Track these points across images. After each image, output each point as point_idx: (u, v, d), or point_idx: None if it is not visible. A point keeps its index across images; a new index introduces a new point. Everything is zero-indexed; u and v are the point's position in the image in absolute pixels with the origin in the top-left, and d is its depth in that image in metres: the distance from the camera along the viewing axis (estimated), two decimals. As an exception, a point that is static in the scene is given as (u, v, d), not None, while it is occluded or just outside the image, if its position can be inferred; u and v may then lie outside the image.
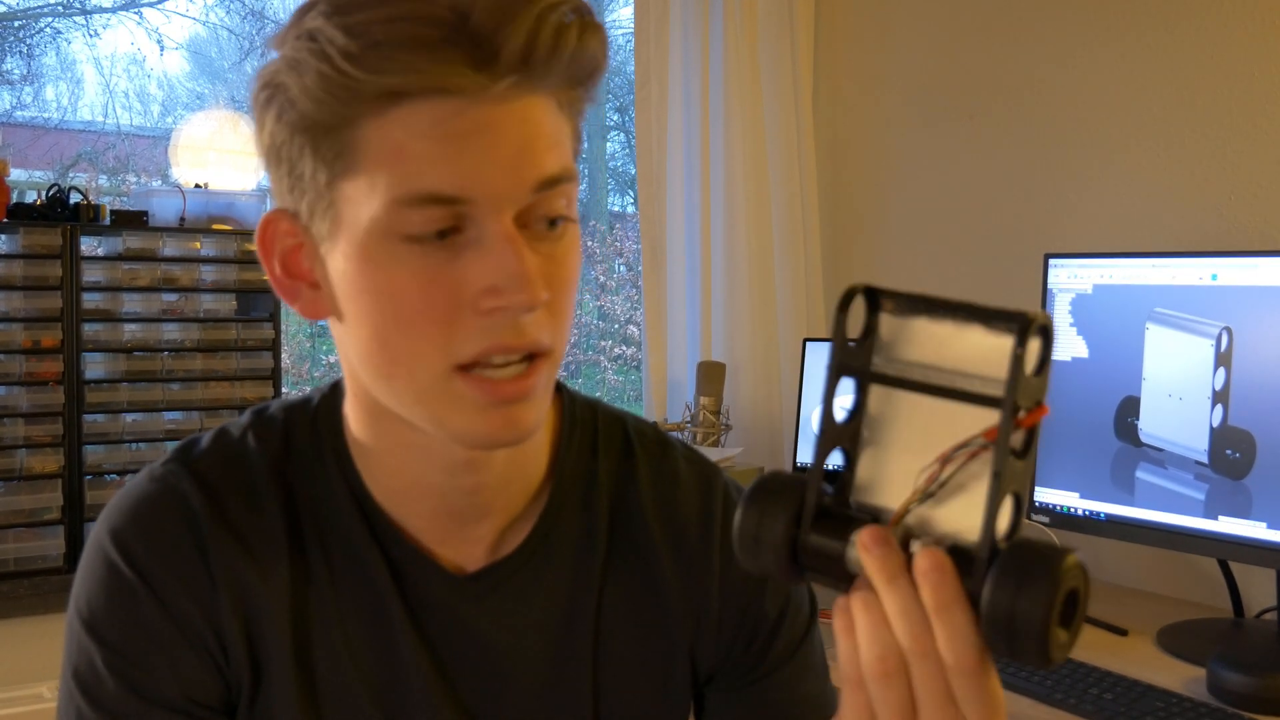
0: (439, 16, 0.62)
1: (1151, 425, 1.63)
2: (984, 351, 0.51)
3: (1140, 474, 1.65)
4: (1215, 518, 1.56)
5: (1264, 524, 1.51)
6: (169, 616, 0.75)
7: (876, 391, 0.55)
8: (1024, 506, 0.52)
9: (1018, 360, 0.49)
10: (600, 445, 0.85)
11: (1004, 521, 0.50)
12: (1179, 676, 1.45)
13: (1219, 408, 1.55)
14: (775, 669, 0.86)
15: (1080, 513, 1.72)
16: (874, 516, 0.54)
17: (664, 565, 0.83)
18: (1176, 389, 1.60)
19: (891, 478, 0.54)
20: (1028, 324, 0.49)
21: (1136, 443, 1.65)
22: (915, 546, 0.52)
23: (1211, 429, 1.56)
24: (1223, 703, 1.35)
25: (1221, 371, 1.55)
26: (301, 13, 0.66)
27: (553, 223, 0.68)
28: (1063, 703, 1.36)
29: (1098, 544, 1.91)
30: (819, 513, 0.54)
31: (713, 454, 2.19)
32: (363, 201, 0.65)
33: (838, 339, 0.54)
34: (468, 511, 0.78)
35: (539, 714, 0.81)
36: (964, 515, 0.51)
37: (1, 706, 1.97)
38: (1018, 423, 0.50)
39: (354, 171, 0.65)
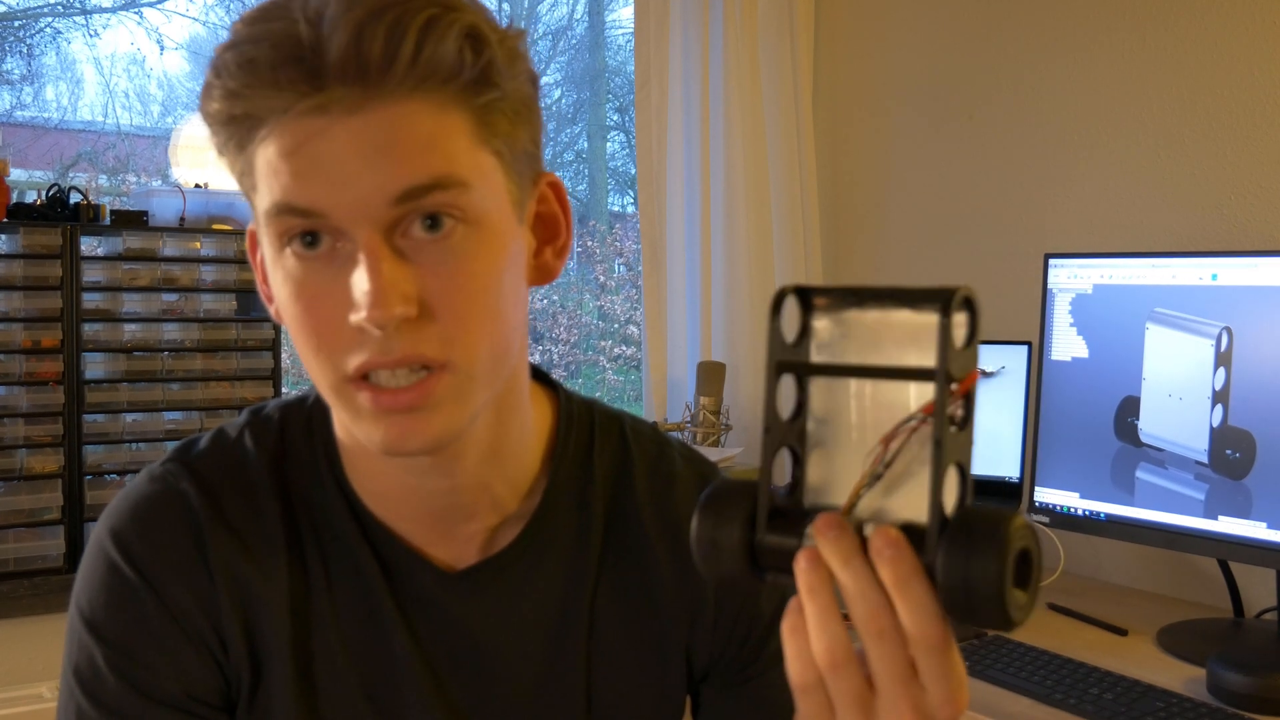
0: (285, 35, 0.63)
1: (1151, 425, 1.63)
2: (913, 332, 0.52)
3: (1140, 474, 1.65)
4: (1215, 518, 1.56)
5: (1264, 524, 1.51)
6: (169, 614, 0.75)
7: (819, 388, 0.55)
8: (969, 479, 0.52)
9: (945, 332, 0.50)
10: (596, 444, 0.85)
11: (951, 494, 0.51)
12: (1179, 676, 1.45)
13: (1219, 408, 1.55)
14: (770, 667, 0.86)
15: (1080, 513, 1.72)
16: (827, 508, 0.55)
17: (659, 563, 0.83)
18: (1176, 389, 1.60)
19: (842, 475, 0.55)
20: (950, 297, 0.50)
21: (1136, 443, 1.65)
22: (869, 530, 0.52)
23: (1211, 429, 1.56)
24: (1223, 703, 1.35)
25: (1221, 371, 1.55)
26: None
27: (433, 223, 0.65)
28: (1063, 703, 1.36)
29: (1098, 544, 1.92)
30: (773, 513, 0.55)
31: (713, 454, 2.19)
32: (260, 218, 0.68)
33: (774, 340, 0.55)
34: (451, 512, 0.78)
35: (532, 711, 0.81)
36: (915, 500, 0.52)
37: (1, 706, 1.97)
38: (952, 392, 0.51)
39: (255, 189, 0.67)
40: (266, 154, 0.65)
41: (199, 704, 0.76)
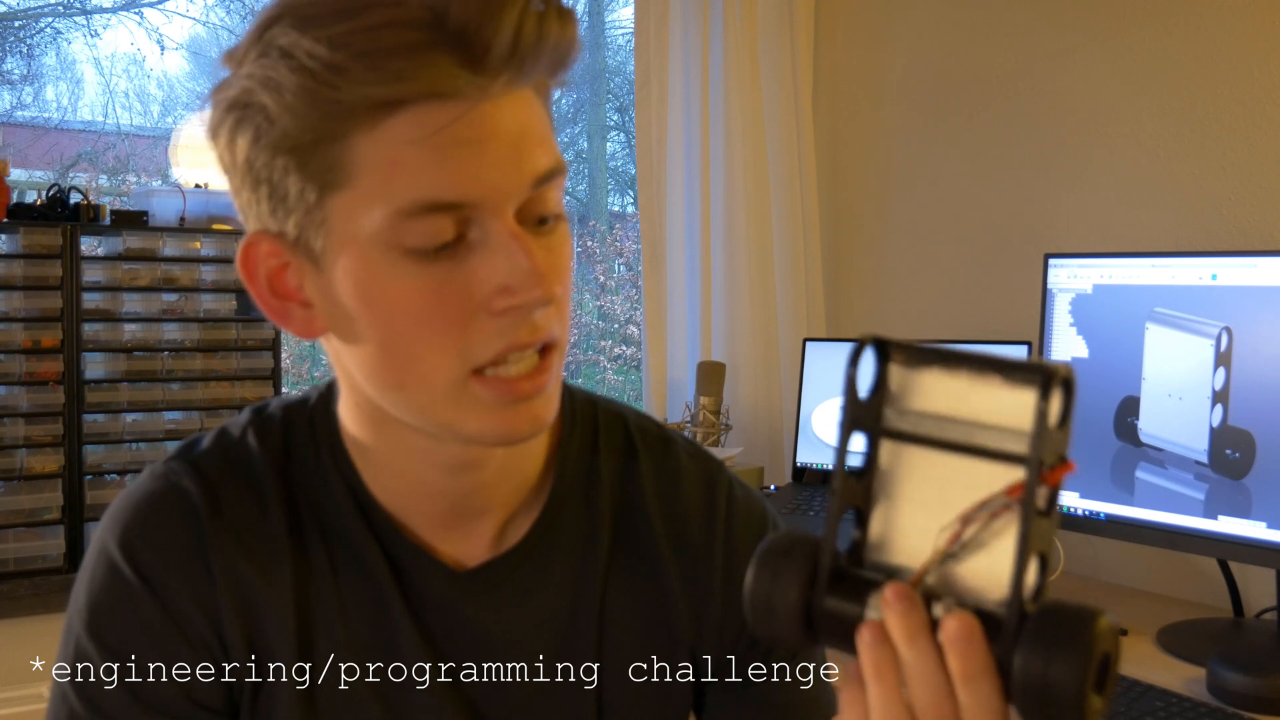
0: (418, 19, 0.61)
1: (1151, 425, 1.63)
2: (1003, 405, 0.49)
3: (1140, 474, 1.65)
4: (1215, 517, 1.56)
5: (1264, 524, 1.51)
6: (170, 619, 0.74)
7: (887, 444, 0.53)
8: (1049, 566, 0.50)
9: (1042, 415, 0.47)
10: (601, 442, 0.84)
11: (1029, 581, 0.49)
12: (1179, 676, 1.45)
13: (1219, 408, 1.55)
14: (776, 669, 0.86)
15: (1080, 513, 1.72)
16: (890, 576, 0.52)
17: (667, 562, 0.83)
18: (1176, 389, 1.60)
19: (906, 534, 0.52)
20: (1051, 377, 0.47)
21: (1136, 443, 1.65)
22: (939, 610, 0.50)
23: (1211, 429, 1.56)
24: (1223, 703, 1.34)
25: (1221, 371, 1.55)
26: (262, 29, 0.64)
27: (542, 220, 0.68)
28: (1063, 703, 1.36)
29: (1098, 544, 1.91)
30: (832, 574, 0.52)
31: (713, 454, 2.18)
32: (359, 216, 0.64)
33: (850, 394, 0.52)
34: (467, 509, 0.78)
35: (541, 709, 0.81)
36: (987, 572, 0.50)
37: (1, 706, 1.97)
38: (1043, 479, 0.48)
39: (346, 185, 0.64)
40: (390, 145, 0.62)
41: (199, 709, 0.76)
